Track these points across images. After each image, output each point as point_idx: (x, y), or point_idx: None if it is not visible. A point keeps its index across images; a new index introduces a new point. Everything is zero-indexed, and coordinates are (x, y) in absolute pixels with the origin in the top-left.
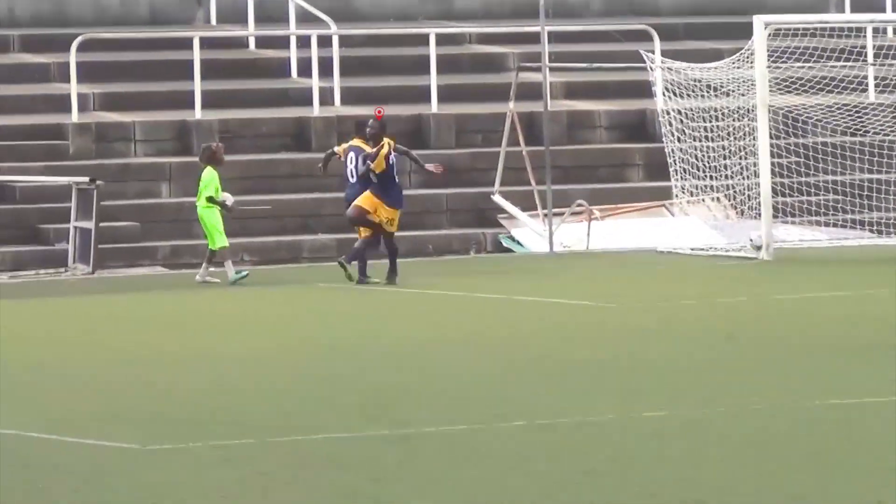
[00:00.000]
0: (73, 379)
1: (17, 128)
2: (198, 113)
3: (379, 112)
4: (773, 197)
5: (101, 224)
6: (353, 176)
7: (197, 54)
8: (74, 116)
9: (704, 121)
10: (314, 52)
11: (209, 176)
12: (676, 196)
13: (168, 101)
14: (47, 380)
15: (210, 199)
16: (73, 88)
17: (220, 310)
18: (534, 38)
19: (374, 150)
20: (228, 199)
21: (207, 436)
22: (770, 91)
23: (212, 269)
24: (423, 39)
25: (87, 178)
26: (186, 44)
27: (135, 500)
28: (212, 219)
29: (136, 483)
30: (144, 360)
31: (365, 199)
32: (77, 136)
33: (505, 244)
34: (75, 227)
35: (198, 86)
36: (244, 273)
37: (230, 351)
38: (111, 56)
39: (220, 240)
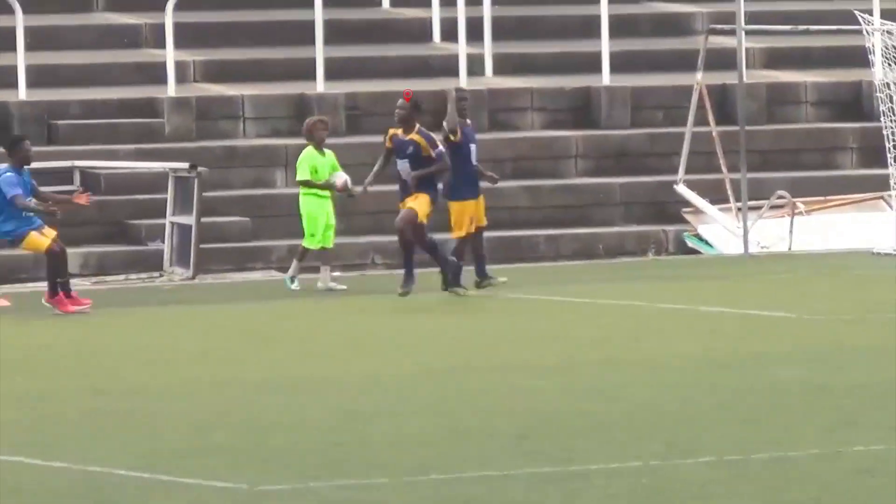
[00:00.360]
0: (168, 406)
1: (101, 103)
2: (319, 85)
3: (407, 92)
4: None
5: (203, 220)
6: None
7: (319, 14)
8: (171, 89)
9: None
10: (461, 11)
11: (302, 155)
12: None
13: (284, 70)
14: (138, 407)
15: (305, 184)
16: (170, 55)
17: (345, 324)
18: None
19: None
20: (338, 179)
21: (331, 474)
22: None
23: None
24: None
25: (186, 165)
26: (306, 1)
27: None
28: (303, 208)
29: None
30: (252, 384)
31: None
32: (174, 114)
33: (690, 244)
34: (172, 224)
35: (320, 52)
36: (293, 285)
37: (356, 373)
38: (215, 16)
39: (306, 237)
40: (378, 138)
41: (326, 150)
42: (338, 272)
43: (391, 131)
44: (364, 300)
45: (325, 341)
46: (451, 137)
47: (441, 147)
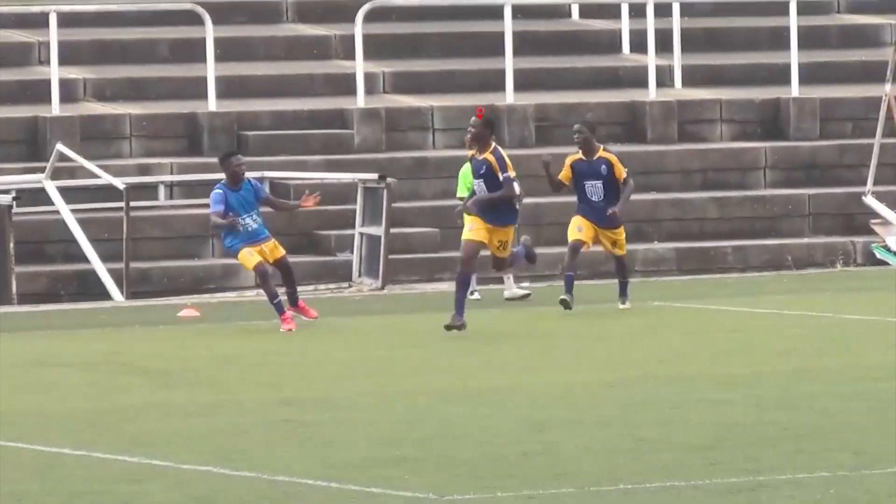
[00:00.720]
0: (355, 416)
1: (290, 114)
2: (509, 96)
3: (480, 110)
4: None
5: (393, 230)
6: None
7: (509, 25)
8: (360, 100)
9: None
10: (650, 22)
11: (462, 171)
12: None
13: (473, 81)
14: (325, 417)
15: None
16: (359, 66)
17: (532, 334)
18: None
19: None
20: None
21: (517, 483)
22: None
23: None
24: (782, 8)
25: (375, 175)
26: (495, 12)
27: None
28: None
29: None
30: (439, 394)
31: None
32: (363, 125)
33: (879, 255)
34: (361, 234)
35: (509, 63)
36: (474, 296)
37: (541, 384)
38: (404, 27)
39: None
40: (568, 149)
41: None
42: (526, 283)
43: (469, 153)
44: (551, 311)
45: (510, 351)
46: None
47: (510, 173)
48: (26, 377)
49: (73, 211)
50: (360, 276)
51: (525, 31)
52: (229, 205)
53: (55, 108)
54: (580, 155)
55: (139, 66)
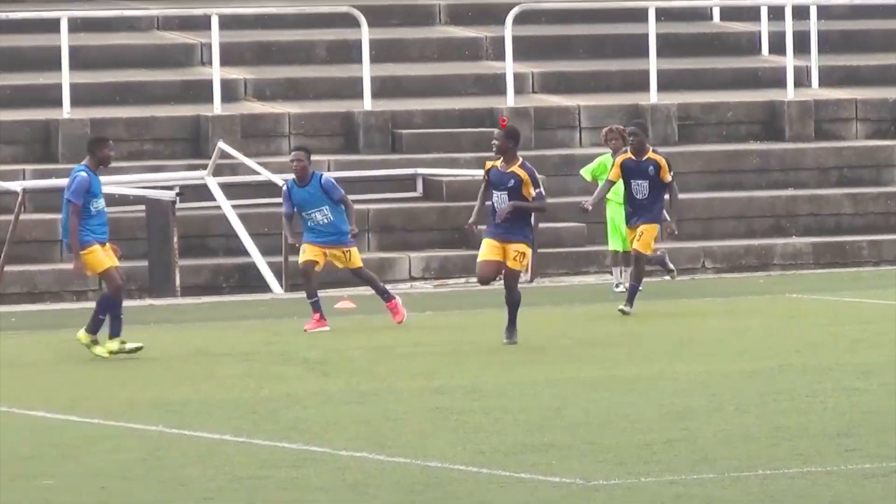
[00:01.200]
0: (505, 403)
1: (443, 113)
2: (653, 96)
3: (504, 120)
4: None
5: (541, 226)
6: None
7: (652, 27)
8: (510, 100)
9: None
10: (788, 24)
11: (598, 160)
12: None
13: (618, 81)
14: (476, 405)
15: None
16: (509, 67)
17: (674, 325)
18: None
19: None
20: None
21: (661, 470)
22: None
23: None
24: None
25: None
26: (640, 15)
27: None
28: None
29: None
30: (585, 383)
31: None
32: (513, 123)
33: None
34: None
35: (653, 64)
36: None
37: (683, 373)
38: (552, 29)
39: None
40: (711, 147)
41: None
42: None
43: (488, 164)
44: (693, 303)
45: (654, 342)
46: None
47: (542, 189)
48: (189, 367)
49: (234, 206)
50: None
51: (668, 33)
52: (293, 201)
53: (217, 108)
54: (630, 154)
55: (297, 67)
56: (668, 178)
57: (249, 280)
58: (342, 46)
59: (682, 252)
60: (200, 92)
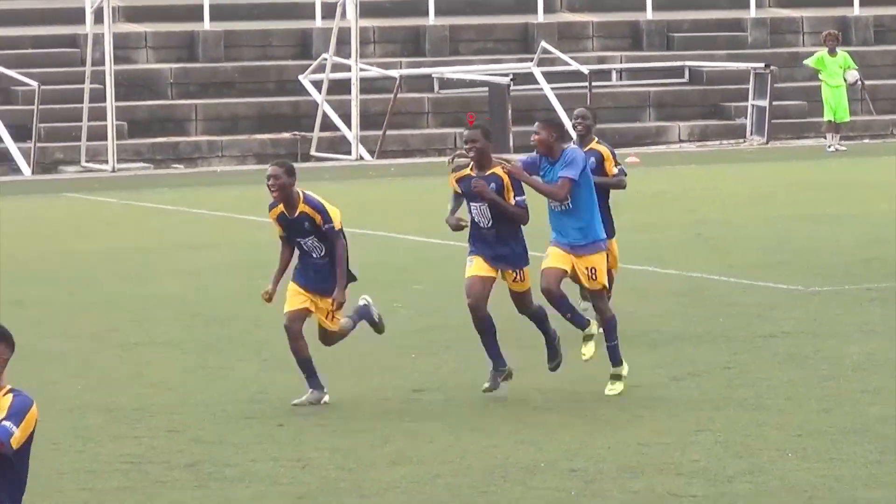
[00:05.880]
0: (746, 231)
1: (703, 21)
2: (856, 9)
3: (471, 117)
4: None
5: (774, 103)
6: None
7: None
8: (752, 12)
9: None
10: None
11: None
12: None
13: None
14: (727, 232)
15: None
16: None
17: (867, 173)
18: None
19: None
20: (849, 76)
21: (860, 280)
22: None
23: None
24: None
25: (762, 64)
26: None
27: (799, 329)
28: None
29: (800, 316)
30: (801, 218)
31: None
32: (754, 29)
33: None
34: (752, 105)
35: None
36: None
37: (879, 211)
38: None
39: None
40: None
41: (839, 52)
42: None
43: (456, 175)
44: (886, 159)
45: (858, 188)
46: None
47: (524, 197)
48: None
49: (553, 89)
50: (751, 134)
51: None
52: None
53: (539, 16)
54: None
55: None
56: (615, 170)
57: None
58: None
59: (875, 122)
60: (527, 5)
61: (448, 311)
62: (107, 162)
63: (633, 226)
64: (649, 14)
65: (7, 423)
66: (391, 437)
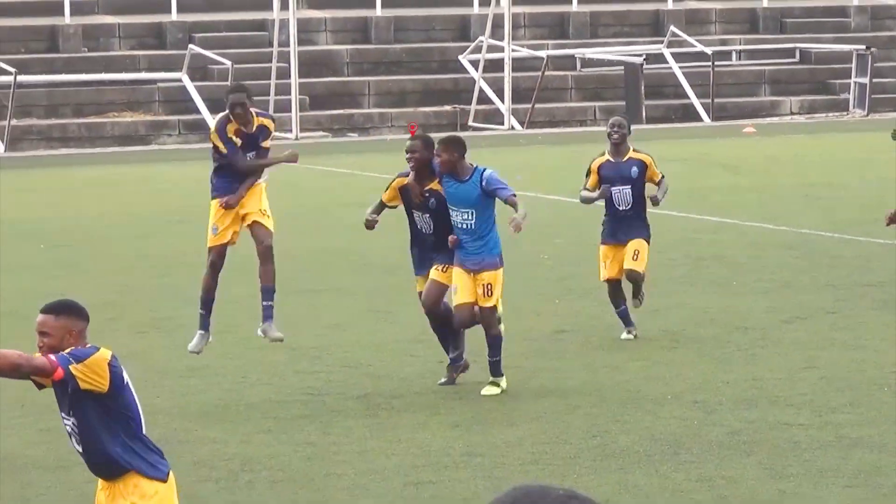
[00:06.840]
0: (852, 193)
1: (811, 8)
2: None
3: (413, 126)
4: None
5: (875, 80)
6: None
7: None
8: (856, 0)
9: None
10: None
11: None
12: None
13: None
14: (837, 193)
15: None
16: None
17: None
18: None
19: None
20: None
21: None
22: None
23: None
24: None
25: (864, 46)
26: None
27: (894, 279)
28: None
29: (895, 268)
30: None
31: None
32: (857, 15)
33: None
34: (855, 83)
35: None
36: None
37: None
38: None
39: None
40: None
41: None
42: None
43: (395, 186)
44: None
45: None
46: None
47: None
48: None
49: (681, 68)
50: (854, 108)
51: None
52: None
53: (669, 4)
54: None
55: None
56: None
57: (689, 116)
58: None
59: None
60: None
61: (585, 263)
62: (291, 131)
63: (749, 187)
64: (765, 2)
65: (68, 355)
66: (536, 373)
